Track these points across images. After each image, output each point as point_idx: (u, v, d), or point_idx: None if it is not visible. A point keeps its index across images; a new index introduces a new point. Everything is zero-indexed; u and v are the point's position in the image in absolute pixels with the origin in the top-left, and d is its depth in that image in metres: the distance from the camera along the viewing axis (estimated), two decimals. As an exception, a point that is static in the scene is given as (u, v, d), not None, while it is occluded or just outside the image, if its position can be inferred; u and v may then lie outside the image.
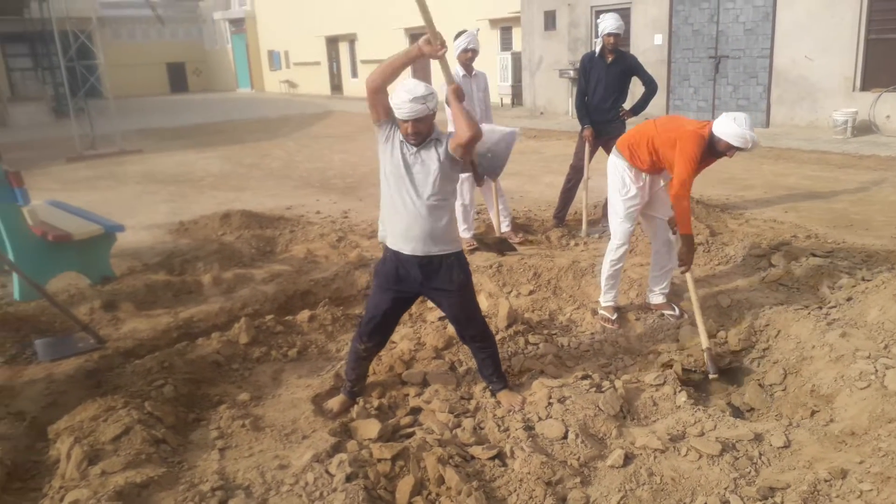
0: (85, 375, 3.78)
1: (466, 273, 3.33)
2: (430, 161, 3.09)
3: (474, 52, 5.72)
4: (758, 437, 2.97)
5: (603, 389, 3.44)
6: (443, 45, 3.09)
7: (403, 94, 2.95)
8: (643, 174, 4.21)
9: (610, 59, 5.90)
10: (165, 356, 3.82)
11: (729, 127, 3.77)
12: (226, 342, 4.10)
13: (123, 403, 3.26)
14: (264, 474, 2.83)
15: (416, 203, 3.09)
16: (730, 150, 3.82)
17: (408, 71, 2.98)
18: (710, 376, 3.75)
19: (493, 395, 3.46)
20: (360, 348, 3.39)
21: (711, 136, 3.86)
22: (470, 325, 3.38)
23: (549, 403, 3.29)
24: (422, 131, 3.04)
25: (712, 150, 3.90)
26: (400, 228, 3.15)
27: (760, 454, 2.87)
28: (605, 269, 4.41)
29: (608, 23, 5.72)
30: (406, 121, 3.00)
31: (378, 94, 3.10)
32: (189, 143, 14.86)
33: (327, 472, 2.78)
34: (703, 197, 7.22)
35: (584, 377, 3.56)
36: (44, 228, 5.01)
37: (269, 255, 6.08)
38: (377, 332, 3.37)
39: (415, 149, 3.10)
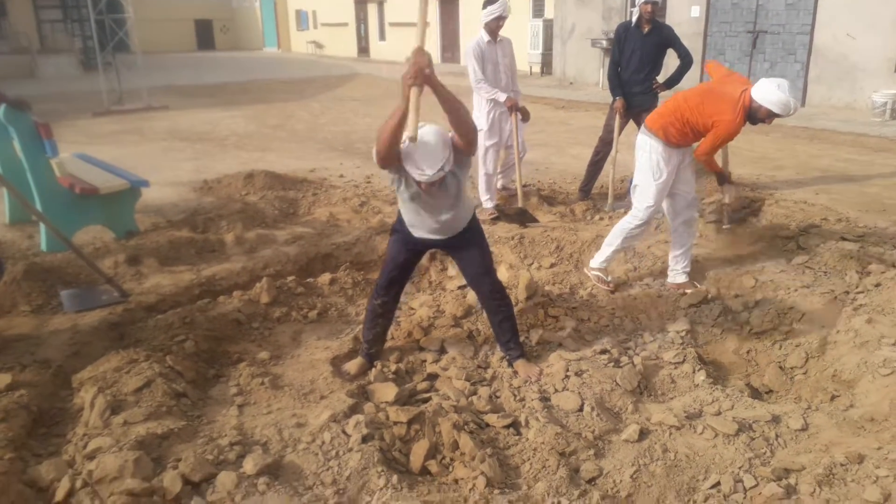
0: (108, 327, 3.84)
1: (479, 228, 3.44)
2: (445, 185, 3.06)
3: (504, 19, 5.64)
4: (775, 419, 2.95)
5: (621, 365, 3.44)
6: (416, 75, 2.72)
7: (420, 175, 2.89)
8: (675, 152, 4.14)
9: (646, 29, 5.76)
10: (187, 312, 3.87)
11: (772, 94, 3.71)
12: (247, 301, 4.14)
13: (146, 356, 3.31)
14: (282, 432, 2.87)
15: (436, 215, 3.18)
16: (770, 117, 3.76)
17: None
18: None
19: (510, 363, 3.46)
20: (377, 304, 3.45)
21: (751, 103, 3.77)
22: (487, 278, 3.40)
23: (567, 376, 3.29)
24: (437, 183, 3.00)
25: (752, 118, 3.85)
26: (423, 229, 3.27)
27: (777, 436, 2.85)
28: (617, 242, 4.37)
29: None
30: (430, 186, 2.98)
31: (389, 161, 2.97)
32: (215, 101, 14.86)
33: (344, 432, 2.81)
34: (732, 175, 7.07)
35: (603, 352, 3.55)
36: (71, 181, 5.06)
37: (291, 216, 6.09)
38: (394, 283, 3.44)
39: None
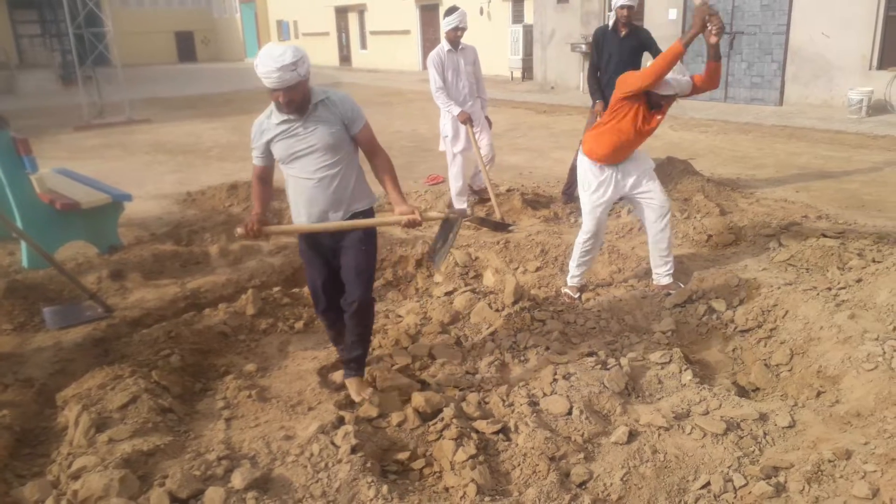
0: (93, 344, 3.80)
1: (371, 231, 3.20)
2: (321, 127, 2.93)
3: (463, 30, 5.82)
4: (763, 417, 2.97)
5: (608, 367, 3.45)
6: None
7: (269, 63, 2.72)
8: (605, 167, 4.17)
9: (623, 32, 5.80)
10: (172, 326, 3.84)
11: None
12: (233, 313, 4.12)
13: (131, 372, 3.28)
14: (270, 444, 2.85)
15: (312, 178, 3.01)
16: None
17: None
18: None
19: (345, 377, 3.37)
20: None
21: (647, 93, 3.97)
22: (359, 283, 3.14)
23: (555, 380, 3.29)
24: (296, 99, 2.84)
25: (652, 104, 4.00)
26: (303, 204, 3.09)
27: (765, 434, 2.87)
28: (575, 256, 4.40)
29: None
30: (276, 90, 2.79)
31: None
32: (197, 113, 14.79)
33: (332, 443, 2.79)
34: (713, 175, 7.15)
35: (590, 354, 3.56)
36: (52, 196, 5.01)
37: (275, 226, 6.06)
38: (322, 298, 3.31)
39: (298, 124, 2.93)
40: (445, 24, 5.81)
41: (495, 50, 20.46)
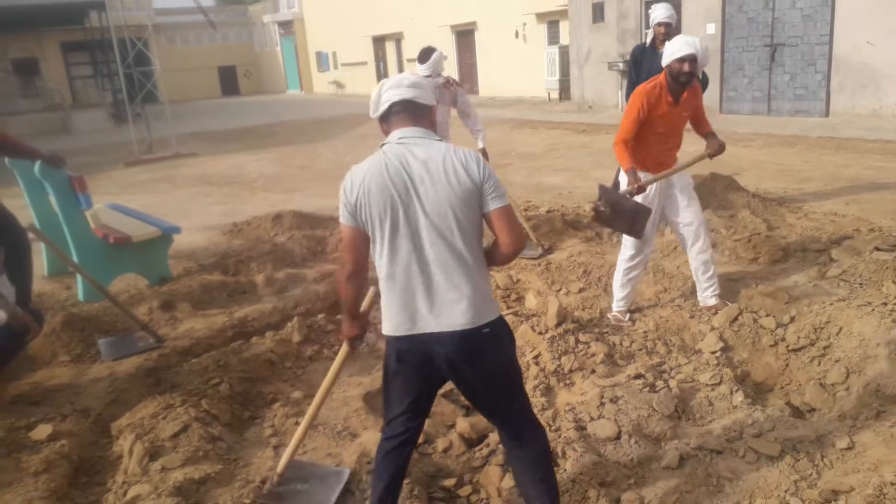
0: (145, 374, 3.90)
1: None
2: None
3: (437, 76, 5.44)
4: (820, 439, 2.87)
5: (657, 389, 3.39)
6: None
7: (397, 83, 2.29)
8: (645, 176, 4.12)
9: (661, 49, 5.77)
10: (221, 355, 3.92)
11: (667, 51, 3.89)
12: (279, 341, 4.18)
13: (181, 401, 3.35)
14: (317, 472, 2.87)
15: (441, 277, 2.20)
16: (682, 65, 3.85)
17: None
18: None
19: None
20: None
21: (666, 75, 3.94)
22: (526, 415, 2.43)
23: (602, 403, 3.25)
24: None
25: (675, 83, 3.94)
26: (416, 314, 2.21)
27: (823, 456, 2.77)
28: (618, 277, 4.33)
29: (659, 12, 5.60)
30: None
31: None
32: (241, 145, 15.19)
33: (379, 470, 2.79)
34: (759, 190, 7.00)
35: (637, 376, 3.51)
36: (105, 231, 5.20)
37: (319, 254, 6.17)
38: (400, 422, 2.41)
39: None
40: (420, 70, 5.35)
41: (531, 72, 20.57)
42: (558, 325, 4.07)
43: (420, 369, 2.25)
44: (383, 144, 2.26)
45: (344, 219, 2.22)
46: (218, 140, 16.41)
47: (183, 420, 3.16)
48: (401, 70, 28.26)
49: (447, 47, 24.74)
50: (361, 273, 2.28)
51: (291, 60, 36.50)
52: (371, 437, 3.09)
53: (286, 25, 35.91)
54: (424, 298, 2.16)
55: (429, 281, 2.16)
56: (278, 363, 4.02)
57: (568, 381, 3.58)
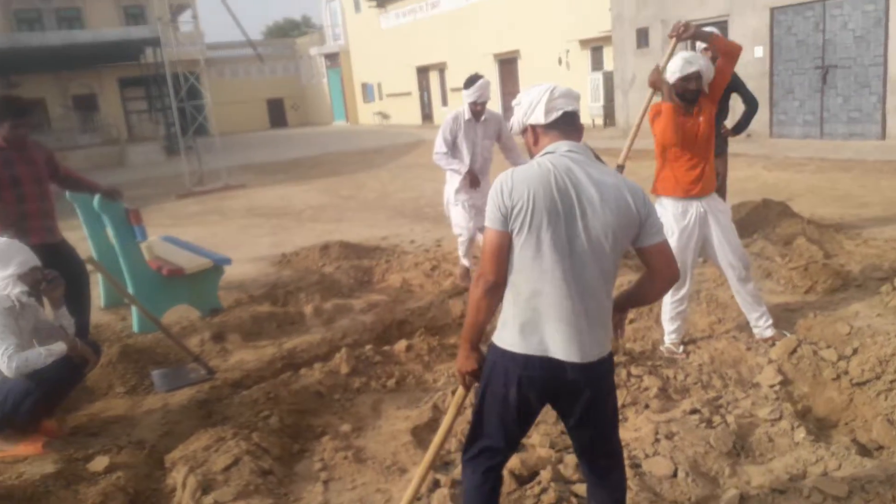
0: (197, 406, 3.96)
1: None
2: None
3: (483, 103, 5.36)
4: (890, 479, 2.73)
5: (714, 425, 3.27)
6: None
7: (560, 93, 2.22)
8: (683, 204, 4.03)
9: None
10: (271, 387, 3.95)
11: (669, 70, 3.91)
12: (327, 373, 4.20)
13: (233, 434, 3.38)
14: (367, 508, 2.85)
15: (584, 289, 2.10)
16: (688, 83, 3.86)
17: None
18: None
19: None
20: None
21: (670, 93, 3.92)
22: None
23: (657, 440, 3.15)
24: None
25: (683, 100, 3.94)
26: (552, 333, 2.11)
27: (893, 497, 2.63)
28: (665, 311, 4.22)
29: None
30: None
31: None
32: (289, 176, 15.51)
33: (429, 507, 2.76)
34: (814, 216, 6.80)
35: (693, 411, 3.40)
36: (159, 263, 5.34)
37: (366, 284, 6.21)
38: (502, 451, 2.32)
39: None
40: (465, 96, 5.36)
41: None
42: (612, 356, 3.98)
43: (540, 395, 2.15)
44: (544, 153, 2.15)
45: (494, 223, 2.08)
46: (266, 171, 16.79)
47: (234, 453, 3.18)
48: (445, 100, 28.59)
49: (490, 75, 24.95)
50: (502, 287, 2.12)
51: (337, 92, 37.27)
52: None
53: (332, 58, 36.74)
54: (568, 321, 2.06)
55: (575, 304, 2.06)
56: (327, 395, 4.03)
57: (621, 417, 3.49)
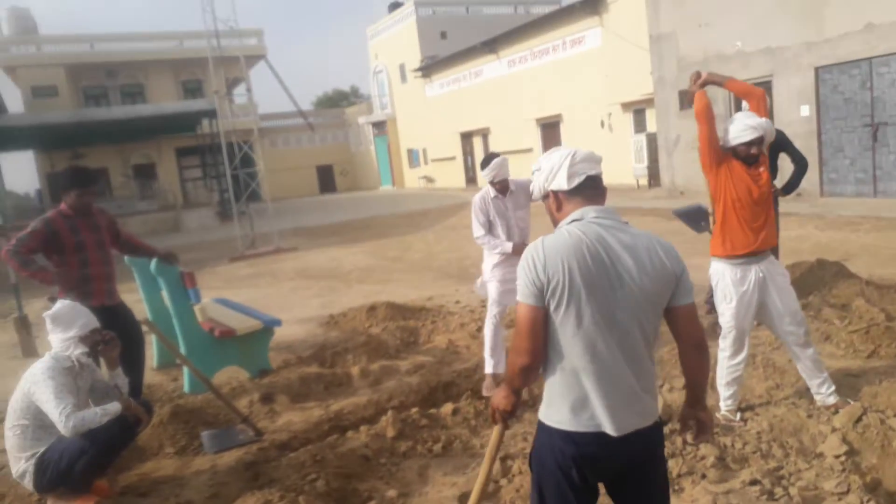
0: (244, 467, 3.96)
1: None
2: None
3: (503, 181, 5.09)
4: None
5: (776, 497, 3.12)
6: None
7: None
8: (740, 269, 3.93)
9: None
10: (317, 449, 3.94)
11: (732, 134, 3.87)
12: (374, 436, 4.17)
13: (279, 497, 3.36)
14: (414, 578, 2.78)
15: (630, 362, 2.05)
16: (749, 148, 3.81)
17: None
18: None
19: None
20: None
21: (733, 151, 3.89)
22: None
23: (715, 512, 3.01)
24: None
25: (745, 162, 3.89)
26: (605, 407, 2.03)
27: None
28: (721, 376, 4.08)
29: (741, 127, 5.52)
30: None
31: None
32: (338, 239, 15.82)
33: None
34: (872, 277, 6.57)
35: (753, 482, 3.24)
36: (211, 324, 5.46)
37: (412, 345, 6.21)
38: None
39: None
40: (483, 175, 5.11)
41: (617, 159, 20.64)
42: (664, 424, 3.86)
43: (596, 472, 2.07)
44: (570, 221, 2.08)
45: (528, 298, 1.99)
46: (316, 235, 17.18)
47: (281, 517, 3.16)
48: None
49: (533, 140, 25.31)
50: (539, 366, 2.06)
51: (384, 158, 38.25)
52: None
53: (380, 126, 37.90)
54: (616, 395, 2.00)
55: (622, 377, 2.00)
56: (373, 459, 3.99)
57: (676, 487, 3.35)
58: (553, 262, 1.96)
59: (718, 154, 3.91)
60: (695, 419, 2.22)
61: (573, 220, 2.07)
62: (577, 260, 1.95)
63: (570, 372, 2.02)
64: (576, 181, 2.12)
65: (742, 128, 3.83)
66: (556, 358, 2.04)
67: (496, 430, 2.33)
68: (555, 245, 1.99)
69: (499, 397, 2.22)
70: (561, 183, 2.13)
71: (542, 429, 2.10)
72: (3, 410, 3.76)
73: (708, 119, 3.93)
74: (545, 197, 2.21)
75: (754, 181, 3.88)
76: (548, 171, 2.16)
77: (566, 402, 2.03)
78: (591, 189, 2.13)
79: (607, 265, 1.98)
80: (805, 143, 11.52)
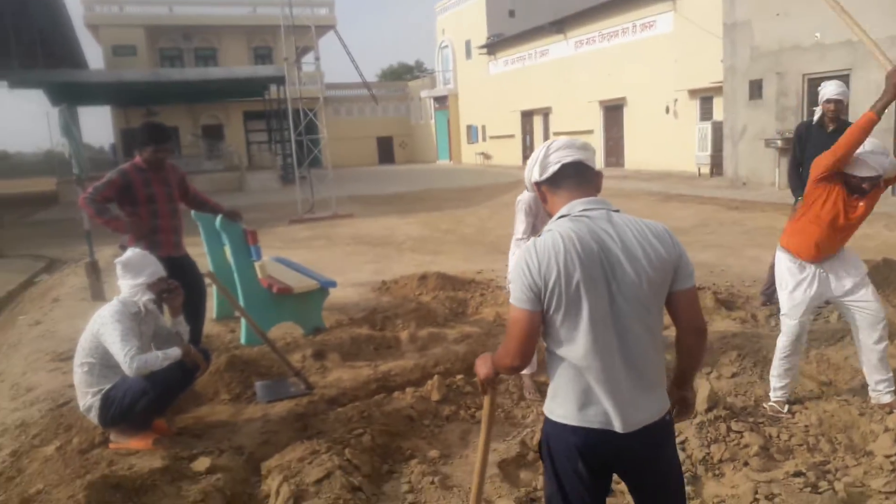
0: (294, 418, 4.12)
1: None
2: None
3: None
4: None
5: (819, 490, 3.08)
6: None
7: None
8: (805, 264, 3.84)
9: (830, 128, 5.46)
10: (365, 406, 4.06)
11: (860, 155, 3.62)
12: (419, 398, 4.27)
13: (326, 448, 3.49)
14: (450, 534, 2.87)
15: (633, 351, 2.00)
16: (864, 182, 3.65)
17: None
18: None
19: None
20: None
21: (845, 176, 3.69)
22: None
23: (755, 499, 3.00)
24: None
25: (855, 192, 3.73)
26: (610, 401, 2.00)
27: None
28: (776, 365, 4.01)
29: (830, 89, 5.32)
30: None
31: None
32: (393, 209, 15.99)
33: (513, 541, 2.74)
34: None
35: (797, 474, 3.21)
36: (270, 281, 5.64)
37: (460, 315, 6.29)
38: None
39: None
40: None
41: (680, 146, 20.20)
42: (708, 410, 3.84)
43: (604, 465, 2.05)
44: (559, 217, 2.02)
45: (523, 302, 1.94)
46: (373, 203, 17.40)
47: (327, 467, 3.29)
48: (548, 142, 28.69)
49: (595, 122, 24.90)
50: (525, 367, 2.05)
51: (443, 132, 38.27)
52: (505, 506, 3.05)
53: (441, 100, 37.86)
54: (621, 391, 1.95)
55: (626, 372, 1.96)
56: (417, 420, 4.09)
57: (717, 472, 3.34)
58: (547, 264, 1.90)
59: (832, 175, 3.74)
60: (681, 399, 2.19)
61: (561, 217, 2.01)
62: (570, 259, 1.89)
63: (572, 369, 1.97)
64: (549, 171, 2.05)
65: (868, 161, 3.65)
66: (558, 355, 2.00)
67: (487, 402, 2.36)
68: (546, 247, 1.92)
69: (480, 365, 2.22)
70: (535, 175, 2.08)
71: (548, 423, 2.09)
72: (73, 349, 3.99)
73: (861, 140, 3.63)
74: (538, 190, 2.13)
75: (847, 210, 3.75)
76: (531, 164, 2.11)
77: (570, 398, 1.99)
78: (569, 178, 2.04)
79: (601, 260, 1.91)
80: (883, 139, 10.99)
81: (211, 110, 34.50)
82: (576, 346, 1.94)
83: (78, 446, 3.79)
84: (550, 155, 2.06)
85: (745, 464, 3.37)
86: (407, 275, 7.68)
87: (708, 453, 3.48)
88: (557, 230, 1.96)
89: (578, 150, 2.06)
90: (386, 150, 41.78)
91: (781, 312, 4.00)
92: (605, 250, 1.92)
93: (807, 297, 3.86)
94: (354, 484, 3.25)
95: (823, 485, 3.14)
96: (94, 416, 3.77)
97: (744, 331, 5.31)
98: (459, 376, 4.61)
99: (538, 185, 2.10)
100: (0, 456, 3.84)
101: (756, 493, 3.04)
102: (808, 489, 3.08)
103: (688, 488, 3.18)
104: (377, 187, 22.23)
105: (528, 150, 30.49)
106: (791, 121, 14.45)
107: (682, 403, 2.20)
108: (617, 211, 2.02)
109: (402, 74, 56.44)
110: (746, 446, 3.53)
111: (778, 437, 3.65)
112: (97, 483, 3.12)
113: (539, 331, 1.98)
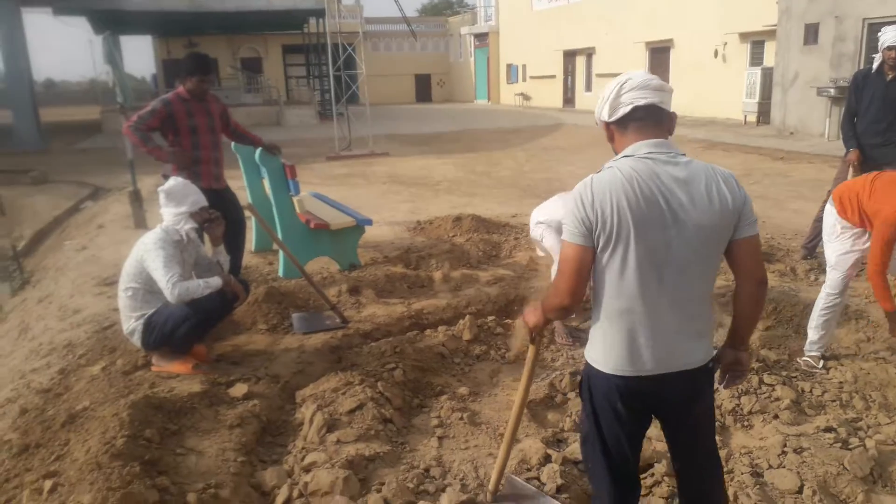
0: (329, 350, 4.22)
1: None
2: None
3: None
4: None
5: (850, 446, 3.07)
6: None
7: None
8: (855, 228, 3.71)
9: (890, 76, 5.21)
10: (398, 342, 4.14)
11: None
12: (451, 336, 4.33)
13: (360, 380, 3.59)
14: (478, 469, 2.95)
15: (679, 303, 1.97)
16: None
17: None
18: None
19: None
20: None
21: None
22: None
23: (783, 452, 3.01)
24: None
25: None
26: (653, 348, 1.99)
27: None
28: (814, 317, 3.94)
29: (891, 35, 5.05)
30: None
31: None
32: (429, 149, 15.87)
33: (538, 479, 2.81)
34: None
35: (828, 429, 3.20)
36: (308, 216, 5.70)
37: (493, 258, 6.29)
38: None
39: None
40: None
41: (727, 93, 19.52)
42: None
43: (644, 407, 2.07)
44: (622, 157, 1.95)
45: (575, 237, 1.90)
46: (409, 143, 17.29)
47: (359, 398, 3.38)
48: (589, 85, 27.97)
49: (640, 64, 24.10)
50: (576, 307, 1.99)
51: (482, 71, 37.48)
52: (531, 445, 3.11)
53: (481, 38, 36.95)
54: (664, 337, 1.94)
55: (671, 318, 1.93)
56: (448, 357, 4.16)
57: (746, 423, 3.35)
58: (602, 200, 1.86)
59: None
60: (736, 361, 2.11)
61: (624, 157, 1.95)
62: (627, 197, 1.84)
63: (615, 314, 1.95)
64: (620, 112, 1.96)
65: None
66: (601, 298, 1.97)
67: (531, 352, 2.38)
68: (604, 182, 1.88)
69: (530, 314, 2.20)
70: (605, 114, 2.00)
71: (588, 367, 2.10)
72: (117, 274, 4.11)
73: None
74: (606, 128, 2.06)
75: None
76: (601, 100, 2.02)
77: (610, 344, 1.98)
78: (641, 120, 1.96)
79: (660, 202, 1.86)
80: None
81: (250, 42, 34.26)
82: (621, 288, 1.91)
83: (122, 367, 3.95)
84: (623, 95, 1.96)
85: (776, 416, 3.37)
86: (441, 216, 7.68)
87: (738, 404, 3.48)
88: (618, 167, 1.92)
89: (654, 92, 1.96)
90: (423, 88, 41.20)
91: (828, 264, 3.91)
92: (667, 192, 1.88)
93: (855, 249, 3.76)
94: (385, 415, 3.35)
95: (854, 441, 3.13)
96: (136, 340, 3.91)
97: (782, 284, 5.22)
98: (491, 317, 4.66)
99: (607, 124, 2.03)
100: (49, 373, 4.03)
101: (784, 445, 3.05)
102: (839, 445, 3.08)
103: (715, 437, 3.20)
104: (414, 126, 22.03)
105: (568, 92, 29.77)
106: (847, 68, 13.81)
107: (736, 366, 2.12)
108: (683, 155, 1.95)
109: (442, 10, 55.02)
110: (777, 399, 3.52)
111: (811, 392, 3.63)
112: (140, 403, 3.26)
113: (591, 269, 1.94)
